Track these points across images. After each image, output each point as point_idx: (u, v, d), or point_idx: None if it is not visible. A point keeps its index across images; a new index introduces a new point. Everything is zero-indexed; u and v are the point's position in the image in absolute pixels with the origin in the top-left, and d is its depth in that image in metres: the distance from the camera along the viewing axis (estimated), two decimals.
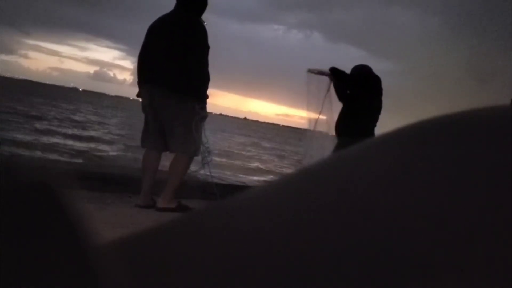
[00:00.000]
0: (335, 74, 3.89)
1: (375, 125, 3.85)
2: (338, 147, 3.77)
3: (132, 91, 3.68)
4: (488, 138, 0.21)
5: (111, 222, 2.73)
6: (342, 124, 3.86)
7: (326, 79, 3.98)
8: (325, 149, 3.89)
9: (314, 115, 4.05)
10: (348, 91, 3.89)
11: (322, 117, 4.04)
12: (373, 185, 0.20)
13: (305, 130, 4.23)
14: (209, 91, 3.54)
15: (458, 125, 0.22)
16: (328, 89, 3.99)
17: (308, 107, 4.07)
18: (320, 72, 3.99)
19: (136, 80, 3.56)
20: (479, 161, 0.20)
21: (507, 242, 0.17)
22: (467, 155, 0.20)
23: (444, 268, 0.17)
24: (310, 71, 4.03)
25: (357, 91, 3.83)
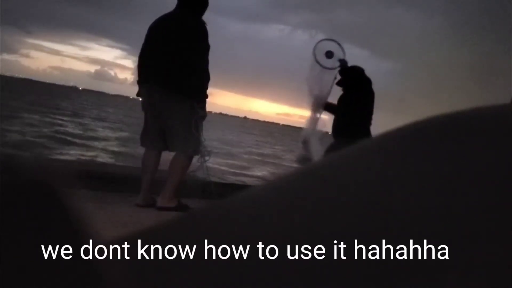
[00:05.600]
0: (343, 69, 3.84)
1: (370, 125, 3.84)
2: (332, 147, 3.77)
3: (133, 91, 3.68)
4: (488, 138, 0.21)
5: (111, 221, 2.73)
6: (338, 126, 3.86)
7: (331, 73, 3.92)
8: (323, 147, 3.87)
9: (314, 112, 4.01)
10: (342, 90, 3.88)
11: (322, 116, 4.01)
12: (373, 185, 0.20)
13: (305, 129, 4.20)
14: (209, 91, 3.54)
15: (458, 125, 0.22)
16: (332, 85, 3.95)
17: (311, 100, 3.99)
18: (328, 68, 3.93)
19: (137, 79, 3.56)
20: (479, 161, 0.20)
21: (507, 242, 0.17)
22: (467, 154, 0.20)
23: (444, 268, 0.17)
24: (318, 63, 3.95)
25: (349, 92, 3.82)
